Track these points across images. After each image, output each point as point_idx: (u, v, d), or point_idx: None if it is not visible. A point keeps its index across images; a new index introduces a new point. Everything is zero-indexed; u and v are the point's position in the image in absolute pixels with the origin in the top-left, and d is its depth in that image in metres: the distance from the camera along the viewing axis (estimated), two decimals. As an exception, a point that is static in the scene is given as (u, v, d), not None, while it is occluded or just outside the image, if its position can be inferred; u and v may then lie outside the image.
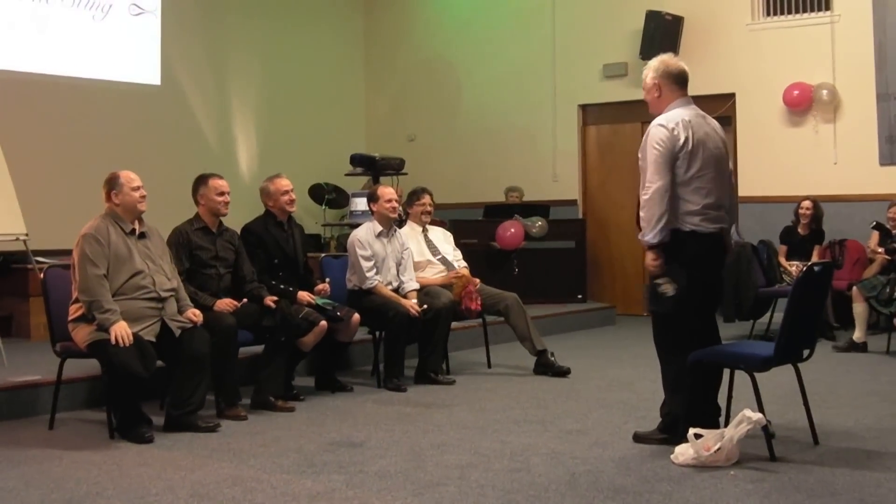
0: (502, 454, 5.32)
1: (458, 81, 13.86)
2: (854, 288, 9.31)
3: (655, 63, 5.55)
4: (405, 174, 11.28)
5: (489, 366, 8.48)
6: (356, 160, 10.95)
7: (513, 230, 11.19)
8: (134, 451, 5.49)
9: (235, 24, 12.87)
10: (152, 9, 11.62)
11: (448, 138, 13.81)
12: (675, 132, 5.26)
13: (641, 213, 5.29)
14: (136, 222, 6.09)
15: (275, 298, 6.75)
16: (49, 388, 6.26)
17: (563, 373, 8.00)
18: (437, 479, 4.81)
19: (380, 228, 7.80)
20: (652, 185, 5.21)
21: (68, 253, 9.16)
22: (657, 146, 5.24)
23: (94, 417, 6.28)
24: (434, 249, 8.35)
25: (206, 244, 6.65)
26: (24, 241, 8.56)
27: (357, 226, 9.76)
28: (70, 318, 5.91)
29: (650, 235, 5.23)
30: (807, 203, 10.40)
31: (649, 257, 5.31)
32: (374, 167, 10.86)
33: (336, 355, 7.52)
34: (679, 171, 5.26)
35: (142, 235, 6.09)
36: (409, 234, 8.26)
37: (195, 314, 6.09)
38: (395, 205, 7.89)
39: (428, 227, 8.45)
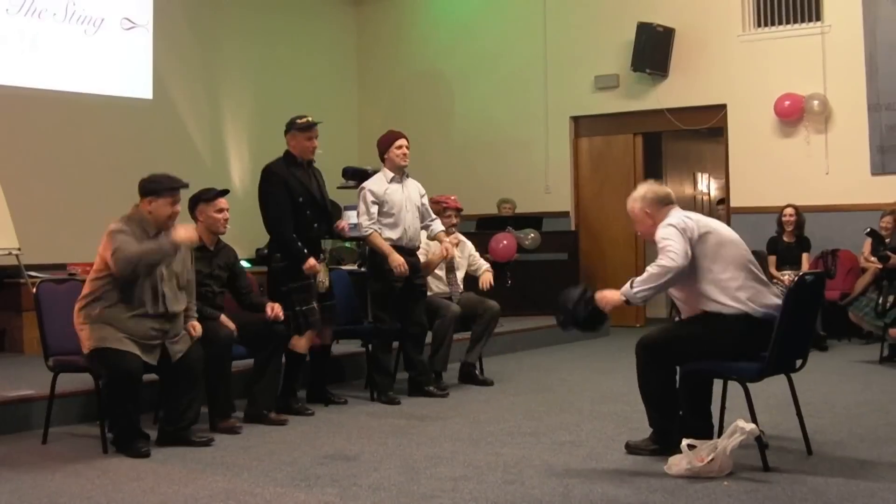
0: (496, 466, 5.31)
1: (450, 94, 13.89)
2: (850, 313, 9.37)
3: (639, 194, 5.56)
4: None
5: (481, 377, 8.45)
6: (349, 173, 10.94)
7: (505, 242, 11.18)
8: (127, 466, 5.48)
9: (227, 38, 12.88)
10: (144, 23, 11.63)
11: (440, 151, 13.82)
12: (687, 223, 5.30)
13: (647, 275, 5.26)
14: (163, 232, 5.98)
15: (275, 305, 6.68)
16: (42, 403, 6.23)
17: (486, 383, 8.18)
18: (431, 492, 4.81)
19: (391, 175, 7.67)
20: (676, 262, 5.17)
21: (61, 267, 9.28)
22: (674, 233, 5.25)
23: (88, 432, 6.25)
24: (450, 265, 8.37)
25: (201, 264, 6.51)
26: (17, 256, 8.56)
27: (351, 239, 9.78)
28: (80, 308, 5.80)
29: (641, 300, 5.34)
30: (789, 210, 10.45)
31: (615, 299, 5.36)
32: (366, 180, 10.82)
33: (323, 364, 7.48)
34: (697, 253, 5.26)
35: None
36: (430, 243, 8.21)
37: (194, 328, 6.06)
38: (406, 152, 7.71)
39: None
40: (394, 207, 7.56)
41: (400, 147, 7.67)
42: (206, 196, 6.64)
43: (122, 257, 5.65)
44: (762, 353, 5.16)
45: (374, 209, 7.52)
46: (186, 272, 6.10)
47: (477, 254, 8.78)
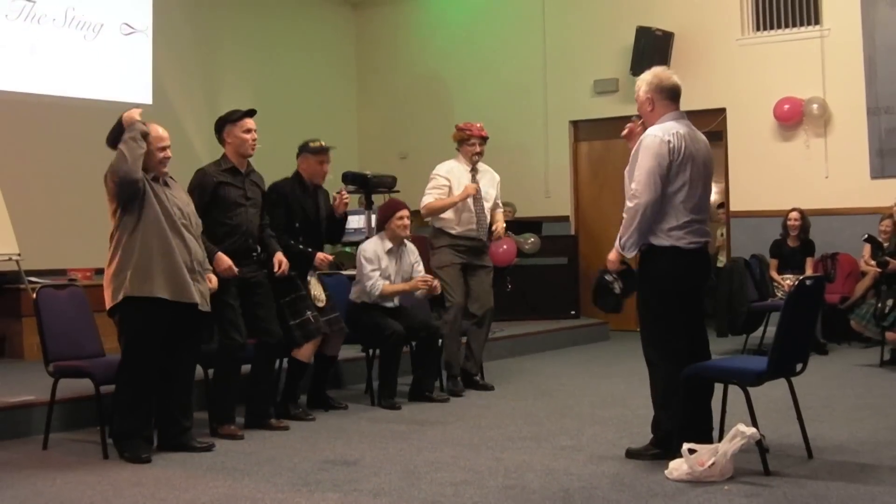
0: (497, 471, 5.31)
1: (449, 99, 13.88)
2: (852, 321, 9.39)
3: (648, 76, 5.58)
4: (397, 192, 11.27)
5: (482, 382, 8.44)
6: (348, 178, 10.92)
7: (505, 247, 11.16)
8: (128, 471, 5.47)
9: (227, 43, 12.89)
10: (143, 28, 11.63)
11: (440, 155, 13.74)
12: (671, 144, 5.28)
13: (624, 221, 5.34)
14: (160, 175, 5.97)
15: (281, 259, 6.65)
16: (42, 409, 6.24)
17: (487, 387, 8.16)
18: (432, 497, 4.81)
19: (389, 245, 7.73)
20: (641, 197, 5.25)
21: (61, 273, 9.28)
22: (654, 157, 5.26)
23: (88, 438, 6.25)
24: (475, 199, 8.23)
25: (235, 183, 6.50)
26: (17, 262, 8.55)
27: (352, 243, 9.77)
28: (108, 272, 5.78)
29: (629, 248, 5.38)
30: (794, 214, 10.43)
31: (613, 255, 5.51)
32: (366, 185, 10.84)
33: (326, 371, 7.48)
34: (666, 184, 5.29)
35: (166, 184, 5.98)
36: (454, 171, 8.26)
37: (210, 279, 6.03)
38: (407, 223, 7.76)
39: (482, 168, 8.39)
40: (388, 277, 7.67)
41: (402, 218, 7.72)
42: (233, 117, 6.61)
43: (108, 173, 5.79)
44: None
45: (376, 273, 7.60)
46: (193, 216, 6.05)
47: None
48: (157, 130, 5.99)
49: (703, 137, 5.56)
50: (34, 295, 6.26)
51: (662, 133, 5.32)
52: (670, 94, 5.50)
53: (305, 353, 6.96)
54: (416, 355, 7.78)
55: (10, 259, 8.48)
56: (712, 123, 12.04)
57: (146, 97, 11.72)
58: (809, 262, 10.38)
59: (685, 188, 5.31)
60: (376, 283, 7.54)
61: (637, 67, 12.00)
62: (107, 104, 11.25)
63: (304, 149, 7.28)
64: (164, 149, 5.96)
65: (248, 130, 6.56)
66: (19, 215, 8.97)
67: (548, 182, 13.15)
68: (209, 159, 12.31)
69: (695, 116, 11.97)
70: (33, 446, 6.12)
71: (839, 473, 5.12)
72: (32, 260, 9.00)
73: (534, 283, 11.76)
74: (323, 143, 7.25)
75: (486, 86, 13.53)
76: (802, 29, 11.53)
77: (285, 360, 7.04)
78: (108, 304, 5.77)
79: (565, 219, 13.04)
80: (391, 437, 6.34)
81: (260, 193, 6.74)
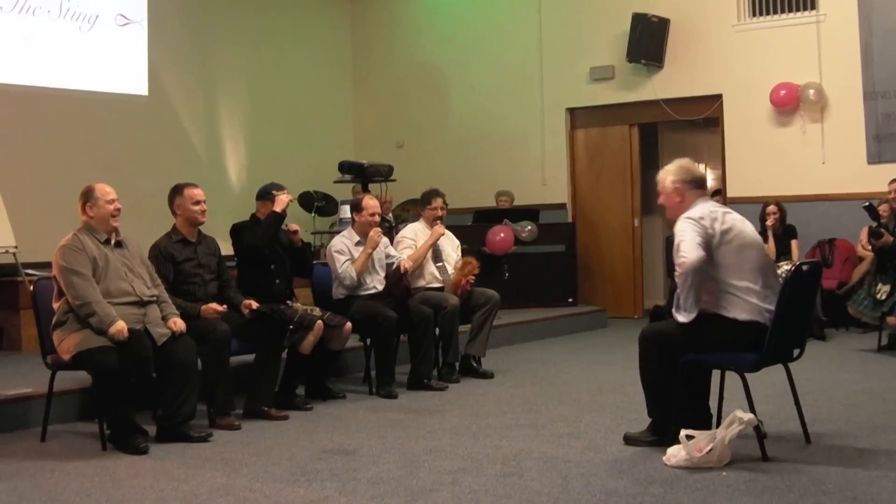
0: (495, 459, 5.31)
1: (445, 87, 13.88)
2: (849, 307, 9.37)
3: (674, 168, 5.47)
4: (394, 181, 11.28)
5: (482, 370, 8.44)
6: (345, 167, 10.92)
7: (503, 235, 11.17)
8: (126, 463, 5.47)
9: (222, 33, 12.87)
10: (139, 19, 11.62)
11: (436, 144, 13.82)
12: (703, 221, 5.19)
13: (678, 287, 5.23)
14: (113, 233, 6.08)
15: (250, 303, 6.70)
16: (40, 401, 6.23)
17: (486, 375, 8.18)
18: (430, 485, 4.81)
19: (357, 238, 7.78)
20: (687, 258, 5.10)
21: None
22: (688, 228, 5.17)
23: (86, 429, 6.24)
24: (437, 255, 8.37)
25: (187, 254, 6.62)
26: (14, 254, 8.54)
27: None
28: (53, 327, 5.90)
29: (683, 316, 5.20)
30: (772, 207, 10.24)
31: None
32: (362, 174, 10.83)
33: (326, 363, 7.48)
34: (717, 257, 5.18)
35: (118, 244, 6.09)
36: (419, 232, 8.32)
37: (175, 323, 6.08)
38: (378, 219, 7.84)
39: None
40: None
41: (373, 214, 7.81)
42: (180, 187, 6.71)
43: (74, 295, 5.79)
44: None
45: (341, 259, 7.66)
46: (147, 266, 6.22)
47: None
48: (104, 188, 6.09)
49: (737, 214, 5.45)
50: (31, 287, 6.27)
51: (693, 214, 5.24)
52: (696, 184, 5.44)
53: (306, 345, 6.95)
54: (412, 343, 7.77)
55: (6, 251, 8.47)
56: (709, 109, 12.05)
57: (142, 88, 11.72)
58: (794, 245, 10.27)
59: (739, 258, 5.20)
60: (347, 267, 7.59)
61: (633, 54, 12.02)
62: (102, 95, 11.27)
63: (265, 195, 7.21)
64: (111, 202, 6.06)
65: (198, 202, 6.66)
66: (16, 207, 8.96)
67: (545, 170, 13.14)
68: (205, 150, 12.48)
69: (691, 103, 12.21)
70: (31, 438, 6.11)
71: (837, 458, 5.12)
72: (29, 252, 8.99)
73: (531, 270, 11.75)
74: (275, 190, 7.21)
75: (482, 74, 13.53)
76: (798, 14, 11.51)
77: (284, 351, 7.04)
78: (63, 355, 5.87)
79: (562, 206, 13.04)
80: (389, 425, 6.34)
81: (215, 258, 6.80)
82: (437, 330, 7.98)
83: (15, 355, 8.64)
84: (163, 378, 5.95)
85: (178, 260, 6.57)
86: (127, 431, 5.75)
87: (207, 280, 6.69)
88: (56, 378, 6.09)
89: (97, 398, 5.88)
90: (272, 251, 7.13)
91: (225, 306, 6.54)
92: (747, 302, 5.17)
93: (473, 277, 8.26)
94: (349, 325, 7.28)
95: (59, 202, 10.37)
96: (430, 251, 8.28)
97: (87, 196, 6.06)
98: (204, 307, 6.47)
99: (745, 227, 5.34)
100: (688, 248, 5.12)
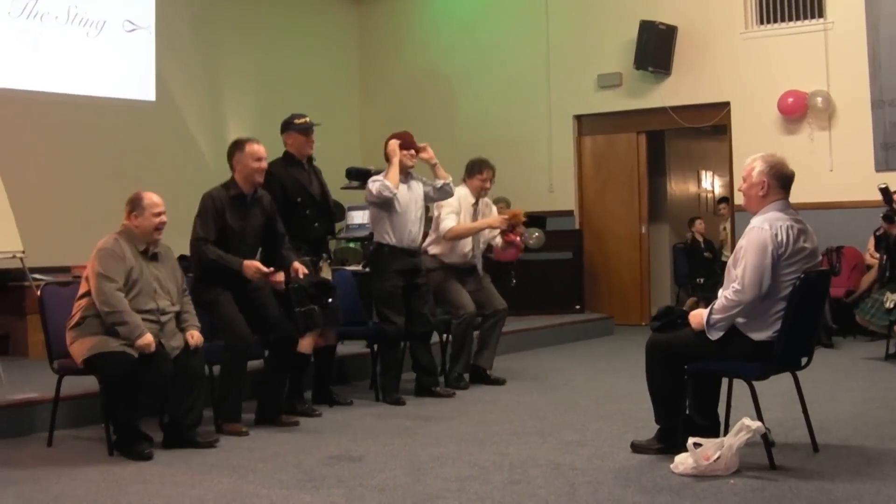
0: (501, 466, 5.31)
1: (453, 94, 13.88)
2: (857, 316, 9.35)
3: (766, 158, 5.38)
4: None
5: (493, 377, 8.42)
6: (352, 173, 10.92)
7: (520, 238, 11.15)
8: (133, 468, 5.47)
9: (229, 39, 12.88)
10: (146, 25, 11.63)
11: (443, 151, 13.68)
12: (779, 237, 5.11)
13: (720, 305, 5.15)
14: (152, 245, 6.06)
15: (298, 268, 6.55)
16: (47, 406, 6.23)
17: (499, 382, 8.14)
18: (437, 493, 4.81)
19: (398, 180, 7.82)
20: (746, 293, 5.04)
21: (65, 270, 9.27)
22: (758, 251, 5.08)
23: (93, 435, 6.26)
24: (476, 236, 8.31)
25: (238, 214, 6.51)
26: (21, 259, 8.54)
27: (356, 239, 9.78)
28: (70, 327, 5.88)
29: (716, 332, 5.16)
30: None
31: (696, 325, 5.25)
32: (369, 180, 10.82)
33: (328, 365, 7.45)
34: (774, 274, 5.09)
35: (154, 257, 6.06)
36: (463, 200, 8.23)
37: (193, 336, 6.04)
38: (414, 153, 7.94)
39: (483, 199, 8.40)
40: (399, 207, 7.56)
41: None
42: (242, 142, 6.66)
43: (103, 301, 5.75)
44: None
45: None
46: (177, 281, 6.17)
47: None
48: (153, 199, 6.05)
49: (810, 229, 5.36)
50: (38, 292, 6.28)
51: (770, 225, 5.15)
52: (784, 184, 5.34)
53: (306, 345, 6.94)
54: (413, 351, 7.74)
55: (14, 256, 8.47)
56: (716, 117, 12.05)
57: (149, 94, 11.73)
58: None
59: (788, 282, 5.10)
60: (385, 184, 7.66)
61: (641, 61, 12.03)
62: (110, 101, 11.29)
63: (288, 125, 7.21)
64: (158, 214, 6.02)
65: (259, 159, 6.57)
66: (23, 212, 8.95)
67: (552, 177, 13.14)
68: (212, 156, 12.47)
69: (699, 110, 12.19)
70: (38, 444, 6.12)
71: (845, 467, 5.11)
72: (36, 257, 8.99)
73: (538, 277, 11.75)
74: (308, 120, 7.18)
75: (489, 81, 13.53)
76: (806, 22, 11.51)
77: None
78: (76, 357, 5.85)
79: (569, 213, 13.03)
80: (396, 432, 6.33)
81: (264, 218, 6.70)
82: (449, 336, 7.98)
83: (22, 360, 8.64)
84: (171, 384, 5.93)
85: (229, 215, 6.47)
86: (131, 438, 5.75)
87: (250, 243, 6.60)
88: (63, 383, 6.09)
89: (104, 403, 5.88)
90: (304, 197, 7.04)
91: (266, 268, 6.39)
92: (774, 324, 5.11)
93: (522, 228, 8.35)
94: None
95: (66, 207, 10.43)
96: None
97: (135, 205, 6.00)
98: (247, 263, 6.36)
99: (814, 243, 5.26)
100: (751, 281, 5.04)
